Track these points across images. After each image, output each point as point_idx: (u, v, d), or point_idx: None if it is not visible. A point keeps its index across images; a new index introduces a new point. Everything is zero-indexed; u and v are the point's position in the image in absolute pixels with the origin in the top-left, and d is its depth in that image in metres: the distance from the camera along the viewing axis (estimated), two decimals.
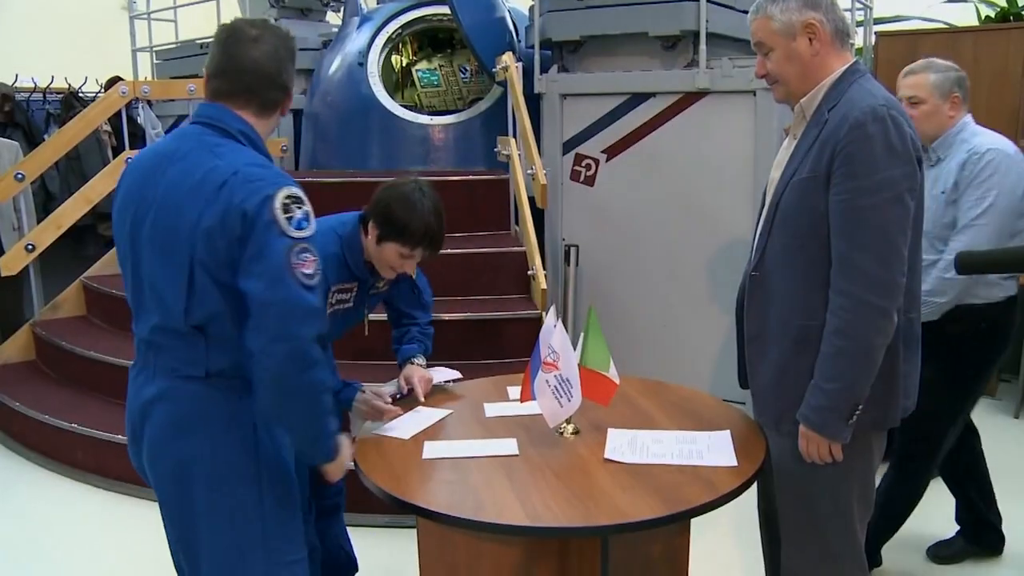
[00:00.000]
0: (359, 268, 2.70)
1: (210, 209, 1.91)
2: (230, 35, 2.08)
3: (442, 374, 2.90)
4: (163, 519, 2.14)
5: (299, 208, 1.94)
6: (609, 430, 2.44)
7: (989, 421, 5.11)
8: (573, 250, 5.26)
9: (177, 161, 2.00)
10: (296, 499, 2.17)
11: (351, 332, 2.86)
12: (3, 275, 5.47)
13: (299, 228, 1.93)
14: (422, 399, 2.73)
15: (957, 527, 3.63)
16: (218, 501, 2.03)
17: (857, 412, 2.10)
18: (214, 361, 2.00)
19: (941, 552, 3.61)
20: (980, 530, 3.58)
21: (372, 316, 2.91)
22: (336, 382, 2.72)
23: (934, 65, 3.13)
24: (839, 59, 2.19)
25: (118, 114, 5.86)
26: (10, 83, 7.05)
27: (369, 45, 6.48)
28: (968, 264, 3.57)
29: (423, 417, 2.64)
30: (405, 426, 2.57)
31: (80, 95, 7.44)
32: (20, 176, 5.44)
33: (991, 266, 3.84)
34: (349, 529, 3.15)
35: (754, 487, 2.24)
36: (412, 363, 2.86)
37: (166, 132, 6.14)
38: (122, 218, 2.08)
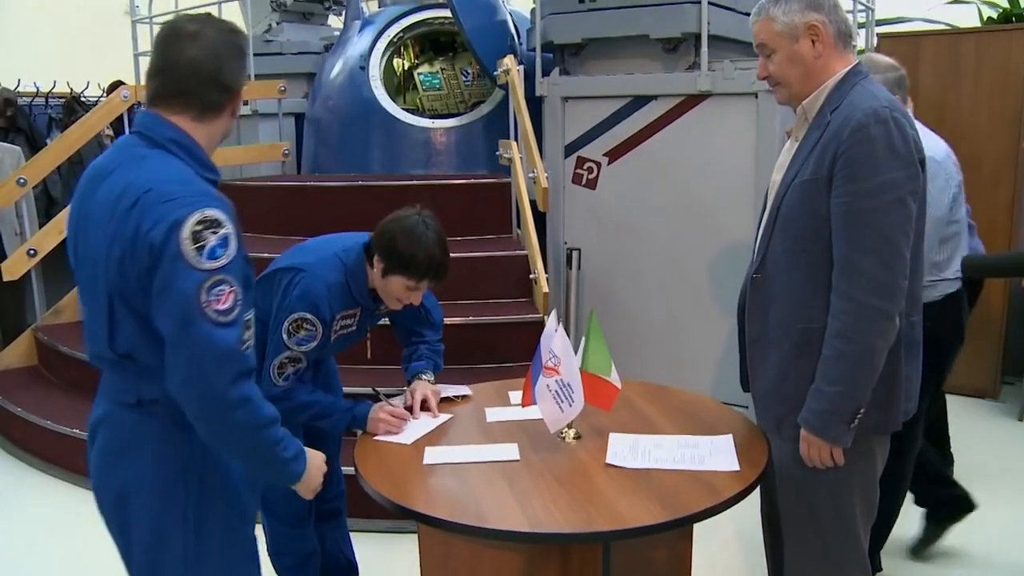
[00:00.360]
0: (363, 297, 2.70)
1: (121, 233, 1.76)
2: (168, 33, 1.89)
3: (451, 390, 2.88)
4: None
5: (214, 234, 1.74)
6: (611, 435, 2.44)
7: (992, 423, 5.11)
8: (575, 253, 5.25)
9: (106, 177, 1.86)
10: (247, 530, 2.07)
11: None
12: (5, 280, 5.47)
13: (212, 258, 1.73)
14: (436, 413, 2.71)
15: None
16: (152, 537, 1.92)
17: (859, 416, 2.09)
18: (145, 390, 1.88)
19: (919, 547, 3.63)
20: (937, 496, 3.59)
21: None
22: (339, 402, 2.68)
23: (874, 64, 3.07)
24: (841, 61, 2.18)
25: (120, 118, 5.86)
26: (12, 88, 7.06)
27: (371, 49, 6.48)
28: (975, 269, 3.58)
29: (423, 422, 2.63)
30: (406, 431, 2.56)
31: (82, 100, 7.45)
32: (22, 181, 5.43)
33: (997, 271, 3.84)
34: (352, 534, 3.15)
35: (757, 491, 2.23)
36: (420, 379, 2.85)
37: None
38: (70, 235, 1.97)
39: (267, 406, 1.86)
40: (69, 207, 1.99)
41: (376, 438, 2.54)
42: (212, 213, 1.75)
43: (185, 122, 1.88)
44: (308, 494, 2.07)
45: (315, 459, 2.05)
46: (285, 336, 2.50)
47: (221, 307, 1.74)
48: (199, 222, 1.73)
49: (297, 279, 2.56)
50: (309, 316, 2.52)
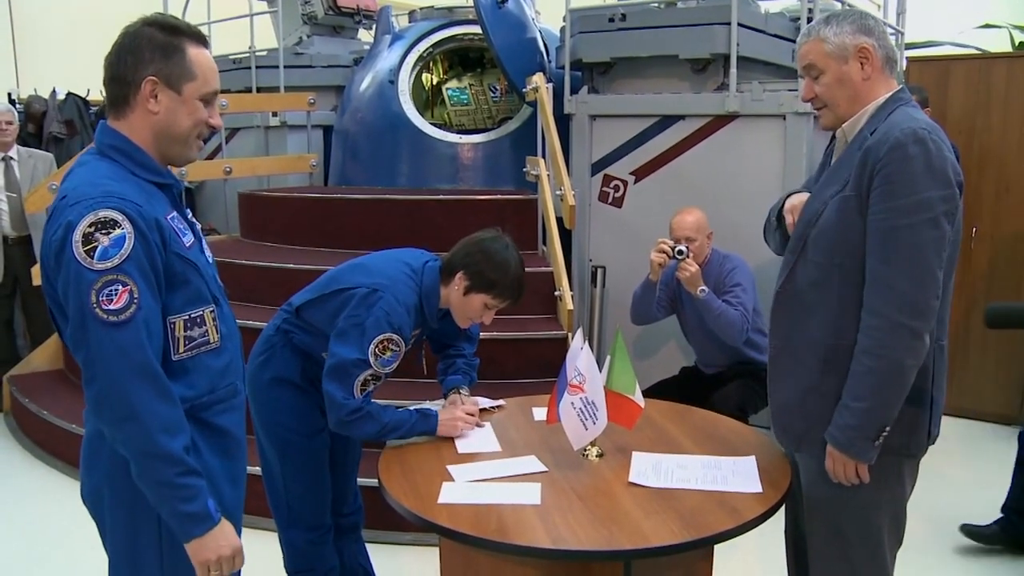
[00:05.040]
0: (433, 317, 2.74)
1: (44, 240, 1.82)
2: None
3: (487, 402, 2.93)
4: None
5: (106, 235, 1.74)
6: (634, 453, 2.44)
7: (1014, 448, 5.04)
8: (600, 271, 5.25)
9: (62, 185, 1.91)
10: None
11: None
12: (35, 284, 5.53)
13: (104, 259, 1.73)
14: (480, 423, 2.76)
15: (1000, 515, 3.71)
16: (118, 534, 1.98)
17: (884, 433, 2.09)
18: None
19: (975, 529, 3.67)
20: (1018, 521, 3.64)
21: None
22: (407, 412, 2.69)
23: None
24: (886, 85, 2.19)
25: None
26: (46, 96, 7.15)
27: (400, 63, 6.52)
28: (999, 318, 3.54)
29: (481, 431, 2.72)
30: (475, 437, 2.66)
31: None
32: (54, 187, 5.50)
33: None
34: (372, 546, 3.16)
35: (780, 512, 2.22)
36: (458, 392, 2.88)
37: None
38: None
39: (170, 439, 1.79)
40: None
41: (460, 443, 2.60)
42: (107, 214, 1.75)
43: (117, 124, 1.90)
44: (199, 570, 1.89)
45: (223, 539, 1.89)
46: (372, 358, 2.52)
47: (113, 307, 1.74)
48: (91, 224, 1.74)
49: (375, 299, 2.56)
50: (395, 337, 2.55)
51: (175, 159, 1.97)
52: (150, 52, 1.86)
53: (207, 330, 1.94)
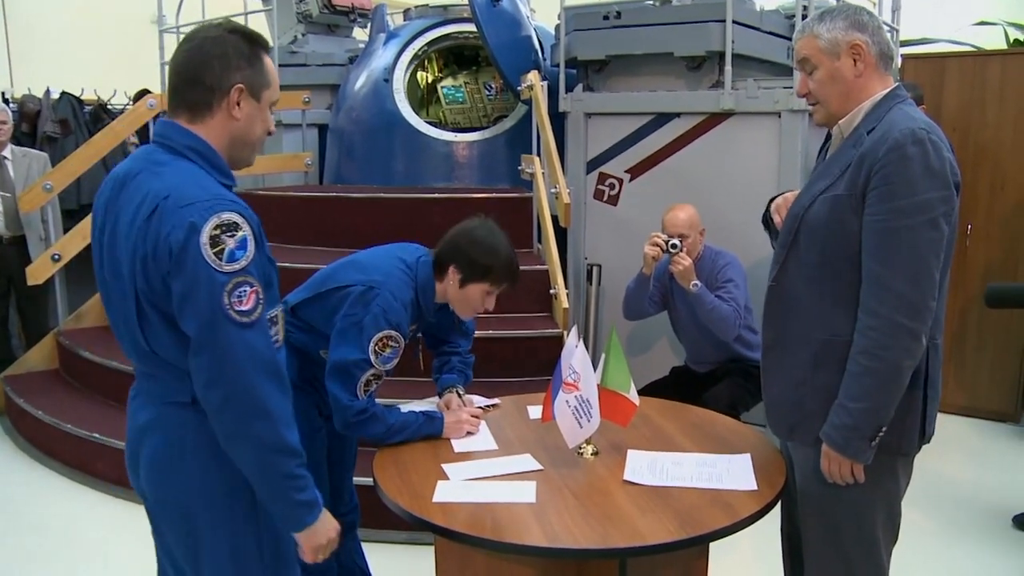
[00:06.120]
0: (430, 312, 2.74)
1: (143, 237, 1.79)
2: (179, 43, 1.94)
3: (482, 401, 2.93)
4: (155, 535, 2.10)
5: (231, 237, 1.78)
6: (629, 451, 2.44)
7: (1012, 447, 5.06)
8: (595, 269, 5.25)
9: (129, 184, 1.89)
10: (291, 544, 2.00)
11: None
12: (30, 284, 5.53)
13: (232, 261, 1.77)
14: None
15: None
16: (219, 538, 1.92)
17: (881, 433, 2.09)
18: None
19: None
20: None
21: None
22: (411, 415, 2.68)
23: None
24: (881, 82, 2.18)
25: (145, 127, 5.90)
26: (40, 96, 7.13)
27: (395, 61, 6.51)
28: (997, 298, 3.55)
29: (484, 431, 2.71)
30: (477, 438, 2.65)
31: (109, 107, 7.52)
32: (48, 187, 5.49)
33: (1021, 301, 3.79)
34: (368, 545, 3.15)
35: (776, 509, 2.22)
36: (452, 391, 2.88)
37: None
38: (95, 241, 1.98)
39: (291, 433, 1.85)
40: (94, 212, 2.01)
41: (456, 443, 2.60)
42: (229, 216, 1.78)
43: (195, 127, 1.91)
44: (308, 555, 1.97)
45: (330, 523, 1.98)
46: (372, 356, 2.52)
47: (244, 307, 1.78)
48: (217, 226, 1.76)
49: (371, 296, 2.56)
50: (394, 333, 2.55)
51: (240, 163, 2.00)
52: (237, 59, 1.90)
53: (279, 329, 1.98)
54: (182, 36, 7.28)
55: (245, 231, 1.80)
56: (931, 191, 2.01)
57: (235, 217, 1.79)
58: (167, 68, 1.93)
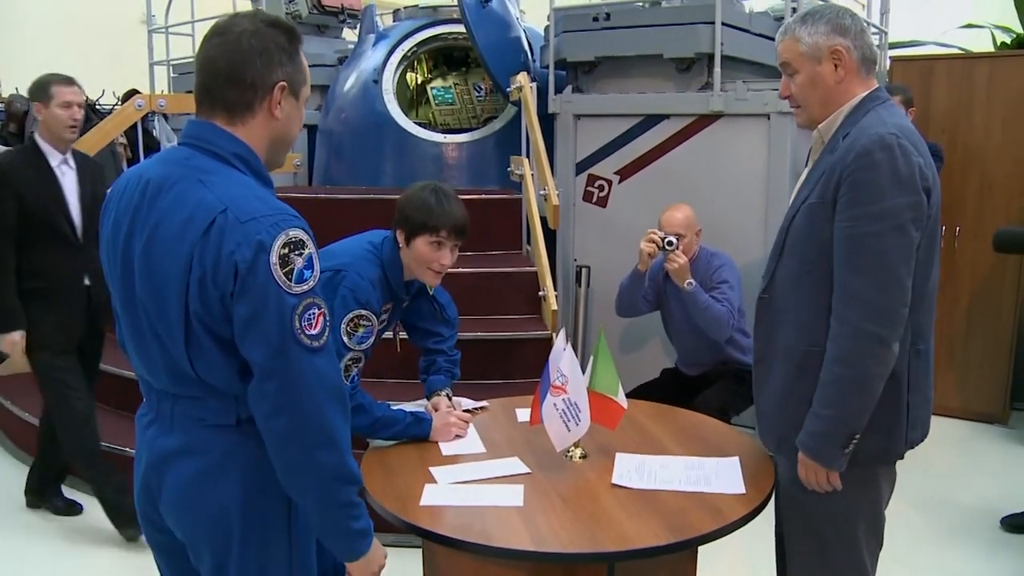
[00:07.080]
0: (400, 288, 2.74)
1: (199, 254, 1.64)
2: (206, 36, 1.77)
3: (469, 403, 2.93)
4: (167, 565, 2.01)
5: (300, 255, 1.65)
6: (617, 455, 2.43)
7: (999, 449, 5.08)
8: (584, 271, 5.25)
9: (167, 191, 1.71)
10: (314, 564, 1.96)
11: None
12: None
13: (301, 281, 1.65)
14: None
15: None
16: (250, 554, 1.81)
17: (854, 440, 2.08)
18: (243, 410, 1.75)
19: (1016, 520, 3.73)
20: None
21: None
22: (401, 412, 2.66)
23: None
24: (862, 86, 2.18)
25: (134, 127, 5.89)
26: (27, 96, 7.10)
27: (384, 62, 6.50)
28: (1005, 242, 3.52)
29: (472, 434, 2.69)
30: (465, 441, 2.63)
31: (97, 107, 7.51)
32: None
33: None
34: None
35: (764, 513, 2.22)
36: (440, 395, 2.87)
37: None
38: (112, 248, 1.81)
39: (352, 460, 1.76)
40: (107, 215, 1.84)
41: (444, 446, 2.58)
42: (296, 233, 1.67)
43: (236, 130, 1.76)
44: None
45: (381, 550, 1.91)
46: (345, 338, 2.51)
47: (314, 331, 1.67)
48: (285, 244, 1.64)
49: (339, 279, 2.56)
50: (364, 312, 2.55)
51: (273, 165, 1.86)
52: (279, 55, 1.76)
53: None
54: (171, 36, 7.23)
55: (311, 249, 1.69)
56: (898, 197, 2.00)
57: (301, 234, 1.68)
58: (196, 64, 1.76)
